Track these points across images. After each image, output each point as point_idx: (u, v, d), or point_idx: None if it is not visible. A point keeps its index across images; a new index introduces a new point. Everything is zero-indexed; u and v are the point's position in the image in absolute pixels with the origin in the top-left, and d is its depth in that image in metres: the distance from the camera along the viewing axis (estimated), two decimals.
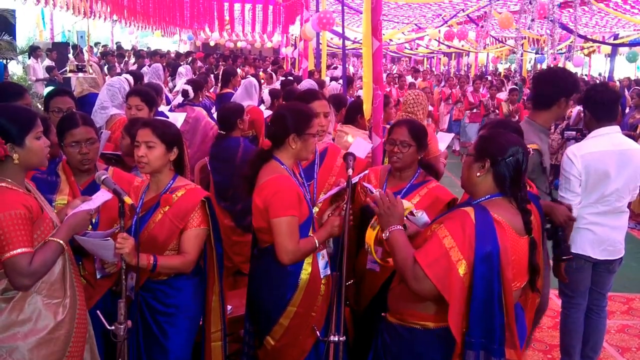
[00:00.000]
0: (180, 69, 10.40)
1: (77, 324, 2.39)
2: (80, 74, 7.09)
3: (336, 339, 2.58)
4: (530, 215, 2.29)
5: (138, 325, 2.75)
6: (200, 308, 2.90)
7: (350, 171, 2.67)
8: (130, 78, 5.50)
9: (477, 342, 2.14)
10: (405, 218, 2.50)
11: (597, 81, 16.95)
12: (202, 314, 2.92)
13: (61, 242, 2.30)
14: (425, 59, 30.43)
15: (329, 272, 2.85)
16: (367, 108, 4.54)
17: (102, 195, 2.51)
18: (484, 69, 24.74)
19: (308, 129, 2.76)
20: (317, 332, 2.73)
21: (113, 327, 2.44)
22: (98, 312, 2.56)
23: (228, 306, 3.32)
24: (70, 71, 7.93)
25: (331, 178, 3.16)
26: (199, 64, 14.04)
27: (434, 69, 27.75)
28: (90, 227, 2.79)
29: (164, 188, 2.77)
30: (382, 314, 2.52)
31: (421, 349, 2.31)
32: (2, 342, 2.24)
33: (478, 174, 2.31)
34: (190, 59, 13.92)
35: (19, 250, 2.17)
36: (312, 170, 3.16)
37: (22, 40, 16.06)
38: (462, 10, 13.84)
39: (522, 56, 17.20)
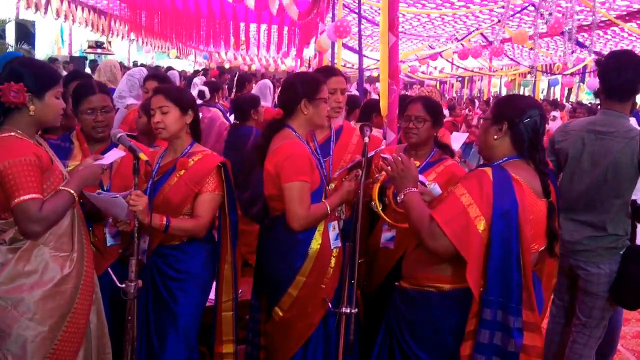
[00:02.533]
0: (195, 80, 10.46)
1: (83, 281, 2.36)
2: (99, 50, 7.12)
3: (348, 310, 2.52)
4: (549, 178, 2.25)
5: (148, 290, 2.71)
6: (211, 277, 2.87)
7: (366, 139, 2.64)
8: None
9: (495, 301, 2.09)
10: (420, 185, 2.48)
11: None
12: (212, 284, 2.89)
13: (72, 191, 2.27)
14: (437, 83, 30.51)
15: (339, 244, 2.80)
16: (383, 104, 4.51)
17: (115, 153, 2.50)
18: (496, 95, 24.79)
19: (319, 94, 2.74)
20: (329, 304, 2.67)
21: (123, 285, 2.40)
22: (109, 269, 2.52)
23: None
24: (89, 47, 7.96)
25: (347, 155, 3.12)
26: (213, 79, 14.14)
27: (446, 94, 27.78)
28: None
29: (181, 153, 2.77)
30: (396, 283, 2.46)
31: (437, 313, 2.25)
32: (8, 293, 2.21)
33: (495, 137, 2.28)
34: (202, 71, 14.06)
35: (28, 196, 2.14)
36: (328, 147, 3.13)
37: (41, 55, 16.31)
38: (477, 29, 13.94)
39: (535, 77, 17.20)
